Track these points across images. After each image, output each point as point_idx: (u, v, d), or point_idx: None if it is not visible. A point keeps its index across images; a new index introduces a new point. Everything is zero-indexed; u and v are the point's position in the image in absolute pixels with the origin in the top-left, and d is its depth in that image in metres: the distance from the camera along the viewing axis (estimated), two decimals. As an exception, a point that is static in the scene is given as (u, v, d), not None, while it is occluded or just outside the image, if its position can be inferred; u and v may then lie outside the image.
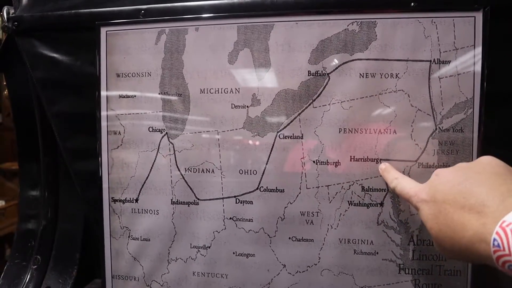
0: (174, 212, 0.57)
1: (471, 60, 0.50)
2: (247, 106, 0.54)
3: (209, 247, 0.56)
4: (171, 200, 0.57)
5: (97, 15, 0.58)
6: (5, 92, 0.75)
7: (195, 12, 0.56)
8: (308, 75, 0.53)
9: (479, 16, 0.50)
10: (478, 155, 0.51)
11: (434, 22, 0.51)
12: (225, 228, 0.56)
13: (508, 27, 0.51)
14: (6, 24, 0.60)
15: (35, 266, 0.65)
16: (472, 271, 0.52)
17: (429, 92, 0.51)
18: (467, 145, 0.51)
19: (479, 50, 0.50)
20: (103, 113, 0.58)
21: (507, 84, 0.52)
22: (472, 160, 0.51)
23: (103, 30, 0.57)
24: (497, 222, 0.33)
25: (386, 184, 0.52)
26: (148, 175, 0.57)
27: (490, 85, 0.50)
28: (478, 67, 0.50)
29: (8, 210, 2.16)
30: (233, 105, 0.54)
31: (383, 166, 0.52)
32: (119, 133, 0.58)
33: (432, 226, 0.40)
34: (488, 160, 0.40)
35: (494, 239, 0.33)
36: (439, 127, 0.51)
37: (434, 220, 0.40)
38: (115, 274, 0.59)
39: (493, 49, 0.50)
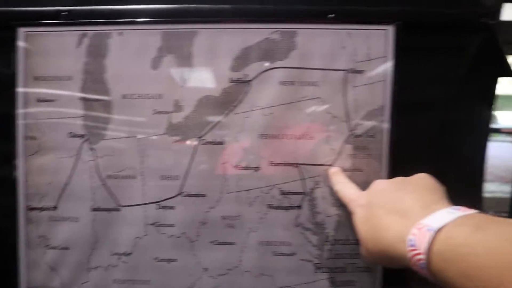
0: (94, 219, 0.56)
1: (382, 70, 0.54)
2: (169, 112, 0.54)
3: (131, 254, 0.56)
4: (91, 206, 0.56)
5: (15, 15, 0.56)
6: None
7: (119, 16, 0.55)
8: (230, 82, 0.54)
9: (391, 29, 0.54)
10: (389, 160, 0.54)
11: (350, 34, 0.54)
12: (146, 234, 0.55)
13: (417, 41, 0.55)
14: None
15: None
16: (382, 267, 0.55)
17: (344, 99, 0.54)
18: (379, 149, 0.54)
19: (390, 61, 0.54)
20: (19, 118, 0.56)
21: (415, 94, 0.56)
22: (383, 164, 0.54)
23: (21, 31, 0.55)
24: (415, 224, 0.36)
25: (304, 187, 0.54)
26: (68, 181, 0.56)
27: (401, 94, 0.54)
28: (389, 77, 0.54)
29: None
30: (155, 110, 0.54)
31: (333, 169, 0.54)
32: (37, 138, 0.56)
33: (362, 228, 0.44)
34: (422, 176, 0.45)
35: (410, 239, 0.36)
36: (353, 133, 0.54)
37: (365, 222, 0.44)
38: (31, 286, 0.57)
39: (403, 61, 0.54)
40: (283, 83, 0.54)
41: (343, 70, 0.54)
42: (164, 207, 0.55)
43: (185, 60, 0.54)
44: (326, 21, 0.54)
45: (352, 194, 0.49)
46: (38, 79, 0.56)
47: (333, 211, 0.54)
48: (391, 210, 0.42)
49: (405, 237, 0.37)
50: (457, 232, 0.34)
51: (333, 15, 0.54)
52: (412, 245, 0.36)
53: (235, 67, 0.54)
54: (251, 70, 0.54)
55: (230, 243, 0.55)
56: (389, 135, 0.54)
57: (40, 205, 0.56)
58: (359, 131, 0.54)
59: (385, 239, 0.40)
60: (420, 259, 0.35)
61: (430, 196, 0.41)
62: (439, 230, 0.34)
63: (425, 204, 0.40)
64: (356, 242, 0.54)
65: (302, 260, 0.55)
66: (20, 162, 0.56)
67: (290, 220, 0.54)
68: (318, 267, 0.55)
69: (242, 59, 0.54)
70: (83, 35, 0.55)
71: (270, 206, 0.54)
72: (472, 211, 0.36)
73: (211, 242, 0.55)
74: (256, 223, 0.55)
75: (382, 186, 0.47)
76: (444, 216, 0.36)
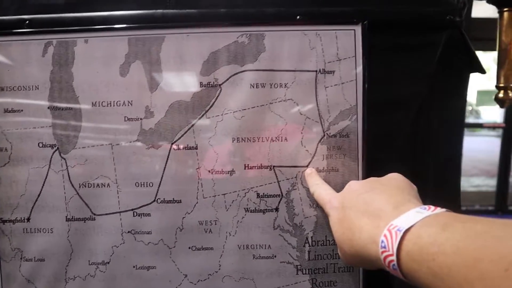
0: (69, 229, 0.55)
1: (353, 70, 0.54)
2: (141, 119, 0.54)
3: (108, 263, 0.55)
4: (66, 217, 0.55)
5: (-24, 25, 0.54)
6: None
7: (84, 24, 0.54)
8: (200, 86, 0.53)
9: (358, 29, 0.54)
10: (364, 158, 0.54)
11: (319, 35, 0.54)
12: (123, 242, 0.55)
13: (384, 38, 0.55)
14: None
15: None
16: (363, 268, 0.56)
17: (316, 100, 0.54)
18: (353, 149, 0.54)
19: (359, 60, 0.54)
20: (-13, 129, 0.54)
21: (387, 92, 0.56)
22: (358, 163, 0.54)
23: (-16, 41, 0.54)
24: (387, 225, 0.36)
25: (280, 190, 0.54)
26: (40, 192, 0.55)
27: (372, 92, 0.54)
28: (360, 77, 0.54)
29: None
30: (126, 117, 0.54)
31: (308, 171, 0.54)
32: (6, 149, 0.55)
33: (337, 230, 0.45)
34: (394, 176, 0.46)
35: (382, 240, 0.36)
36: (326, 133, 0.54)
37: (339, 224, 0.44)
38: (8, 299, 0.56)
39: (373, 60, 0.54)
40: (254, 85, 0.54)
41: (313, 71, 0.54)
42: (140, 215, 0.54)
43: (154, 65, 0.54)
44: (294, 22, 0.54)
45: (327, 195, 0.49)
46: (3, 90, 0.54)
47: (311, 212, 0.55)
48: (363, 212, 0.42)
49: (377, 238, 0.38)
50: (424, 231, 0.34)
51: (301, 16, 0.54)
52: (383, 247, 0.36)
53: (205, 71, 0.54)
54: (221, 73, 0.54)
55: (209, 248, 0.55)
56: (363, 135, 0.54)
57: (13, 217, 0.55)
58: (333, 131, 0.54)
59: (358, 241, 0.41)
60: (391, 261, 0.36)
61: (401, 196, 0.42)
62: (407, 230, 0.35)
63: (396, 204, 0.40)
64: (335, 242, 0.54)
65: (283, 262, 0.55)
66: (-10, 175, 0.55)
67: (268, 223, 0.55)
68: (299, 269, 0.55)
69: (211, 63, 0.54)
70: (48, 44, 0.54)
71: (247, 210, 0.54)
72: (440, 210, 0.37)
73: (190, 247, 0.55)
74: (234, 227, 0.55)
75: (355, 187, 0.47)
76: (413, 216, 0.36)
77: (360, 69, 0.54)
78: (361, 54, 0.54)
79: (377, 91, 0.55)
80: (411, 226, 0.35)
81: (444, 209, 0.37)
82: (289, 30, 0.54)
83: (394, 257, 0.35)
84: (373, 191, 0.44)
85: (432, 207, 0.37)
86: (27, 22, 0.54)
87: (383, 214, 0.39)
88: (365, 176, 0.54)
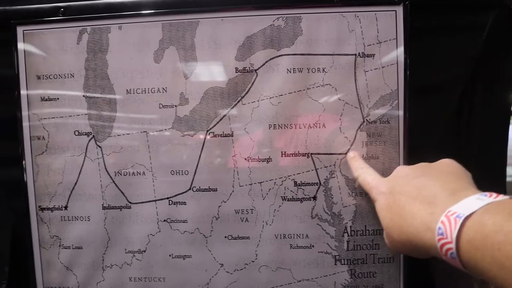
0: (106, 218, 0.55)
1: (394, 53, 0.52)
2: (175, 106, 0.53)
3: (145, 251, 0.55)
4: (102, 205, 0.55)
5: (12, 14, 0.55)
6: None
7: (117, 10, 0.53)
8: (236, 72, 0.52)
9: (399, 10, 0.51)
10: (405, 146, 0.52)
11: (358, 16, 0.51)
12: (159, 231, 0.55)
13: (427, 19, 0.53)
14: None
15: (-40, 285, 0.61)
16: (403, 257, 0.54)
17: (356, 85, 0.52)
18: (394, 136, 0.52)
19: (401, 43, 0.51)
20: (25, 118, 0.55)
21: (429, 75, 0.54)
22: (399, 150, 0.52)
23: (20, 30, 0.54)
24: (444, 212, 0.34)
25: (318, 178, 0.53)
26: (77, 181, 0.55)
27: (413, 75, 0.52)
28: (401, 60, 0.52)
29: None
30: (161, 104, 0.53)
31: (351, 154, 0.52)
32: (43, 138, 0.55)
33: (385, 216, 0.42)
34: (447, 162, 0.43)
35: (439, 228, 0.34)
36: (366, 119, 0.52)
37: (387, 210, 0.42)
38: (47, 286, 0.57)
39: (414, 41, 0.52)
40: (291, 70, 0.52)
41: (352, 54, 0.52)
42: (175, 203, 0.54)
43: (188, 51, 0.52)
44: (333, 4, 0.52)
45: (373, 180, 0.47)
46: (40, 78, 0.54)
47: (350, 201, 0.53)
48: (416, 197, 0.39)
49: (433, 225, 0.35)
50: (488, 219, 0.32)
51: (340, -3, 0.52)
52: (441, 234, 0.34)
53: (240, 56, 0.52)
54: (257, 58, 0.52)
55: (245, 237, 0.54)
56: (404, 121, 0.52)
57: (51, 205, 0.56)
58: (372, 117, 0.52)
59: (410, 228, 0.39)
60: (449, 249, 0.33)
61: (457, 183, 0.39)
62: (468, 217, 0.33)
63: (452, 191, 0.37)
64: (376, 232, 0.53)
65: (321, 252, 0.54)
66: (28, 163, 0.55)
67: (306, 212, 0.53)
68: (337, 259, 0.54)
69: (246, 48, 0.52)
70: (83, 31, 0.54)
71: (284, 198, 0.53)
72: (503, 197, 0.34)
73: (226, 236, 0.54)
74: (271, 216, 0.53)
75: (405, 172, 0.44)
76: (473, 203, 0.34)
77: (401, 52, 0.52)
78: (403, 36, 0.52)
79: (419, 75, 0.53)
80: (472, 213, 0.33)
81: (507, 196, 0.34)
82: (327, 12, 0.52)
83: (453, 245, 0.33)
84: (425, 176, 0.41)
85: (494, 194, 0.35)
86: (62, 9, 0.54)
87: (438, 201, 0.37)
88: (407, 164, 0.51)
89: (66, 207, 0.55)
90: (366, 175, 0.48)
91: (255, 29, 0.52)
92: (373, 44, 0.52)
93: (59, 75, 0.54)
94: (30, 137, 0.55)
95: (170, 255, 0.55)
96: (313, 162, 0.53)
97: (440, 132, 0.55)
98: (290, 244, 0.54)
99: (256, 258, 0.54)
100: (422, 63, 0.53)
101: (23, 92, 0.55)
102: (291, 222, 0.54)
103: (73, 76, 0.54)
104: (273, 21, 0.52)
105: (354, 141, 0.52)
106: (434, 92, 0.55)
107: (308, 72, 0.52)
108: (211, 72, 0.52)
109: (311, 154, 0.53)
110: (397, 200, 0.41)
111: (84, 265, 0.56)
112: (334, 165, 0.53)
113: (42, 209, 0.56)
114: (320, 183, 0.53)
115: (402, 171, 0.45)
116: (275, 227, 0.54)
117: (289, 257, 0.54)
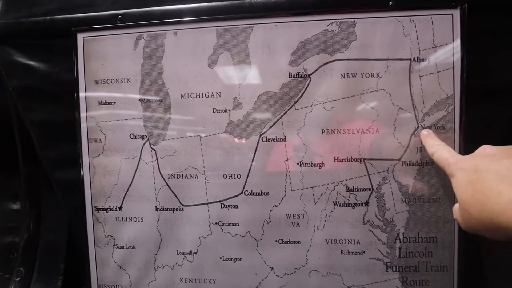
0: (159, 219, 0.56)
1: (450, 57, 0.51)
2: (229, 110, 0.54)
3: (196, 253, 0.56)
4: (156, 207, 0.56)
5: (73, 21, 0.57)
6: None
7: (173, 16, 0.55)
8: (289, 77, 0.52)
9: (456, 13, 0.50)
10: (461, 152, 0.51)
11: (413, 21, 0.51)
12: (211, 233, 0.55)
13: (485, 22, 0.51)
14: (-21, 32, 0.59)
15: (18, 279, 0.63)
16: (458, 266, 0.52)
17: (410, 90, 0.51)
18: (449, 141, 0.51)
19: (457, 47, 0.50)
20: (83, 121, 0.57)
21: (486, 79, 0.53)
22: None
23: (80, 36, 0.56)
24: None
25: (371, 183, 0.52)
26: (131, 182, 0.56)
27: (470, 80, 0.51)
28: (458, 64, 0.51)
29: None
30: (214, 109, 0.54)
31: (425, 132, 0.51)
32: (100, 140, 0.57)
33: (464, 192, 0.41)
34: None
35: None
36: (421, 125, 0.51)
37: (469, 186, 0.41)
38: (101, 284, 0.59)
39: (471, 45, 0.50)
40: (344, 75, 0.52)
41: (407, 59, 0.51)
42: (227, 206, 0.55)
43: (242, 56, 0.53)
44: (387, 8, 0.51)
45: (452, 156, 0.45)
46: (98, 83, 0.56)
47: (403, 207, 0.52)
48: (504, 177, 0.39)
49: None
50: None
51: (394, 2, 0.51)
52: None
53: (294, 61, 0.52)
54: (310, 63, 0.52)
55: (296, 242, 0.54)
56: (460, 126, 0.51)
57: (106, 206, 0.58)
58: (427, 122, 0.51)
59: (496, 206, 0.38)
60: None
61: None
62: None
63: None
64: (429, 239, 0.52)
65: (372, 258, 0.53)
66: (85, 164, 0.57)
67: (358, 218, 0.53)
68: (388, 266, 0.53)
69: (300, 53, 0.52)
70: (139, 37, 0.55)
71: (336, 203, 0.53)
72: None
73: (276, 240, 0.54)
74: (322, 221, 0.53)
75: (492, 152, 0.43)
76: None
77: (458, 56, 0.51)
78: (459, 40, 0.51)
79: (476, 79, 0.51)
80: None
81: None
82: (381, 17, 0.51)
83: None
84: None
85: None
86: (119, 17, 0.56)
87: None
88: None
89: (120, 208, 0.57)
90: (443, 151, 0.47)
91: (309, 34, 0.52)
92: (429, 48, 0.51)
93: (116, 79, 0.56)
94: (88, 139, 0.57)
95: (220, 258, 0.56)
96: (366, 167, 0.52)
97: (499, 138, 0.53)
98: (341, 250, 0.54)
99: (306, 263, 0.54)
100: (480, 67, 0.51)
101: (82, 96, 0.57)
102: (343, 228, 0.53)
103: (129, 81, 0.55)
104: (327, 26, 0.52)
105: (408, 146, 0.52)
106: (492, 97, 0.53)
107: (362, 77, 0.52)
108: (265, 77, 0.53)
109: (364, 159, 0.52)
110: (481, 177, 0.40)
111: (137, 265, 0.58)
112: (387, 170, 0.52)
113: (98, 209, 0.58)
114: (372, 189, 0.52)
115: (489, 150, 0.43)
116: (326, 232, 0.53)
117: (339, 262, 0.54)
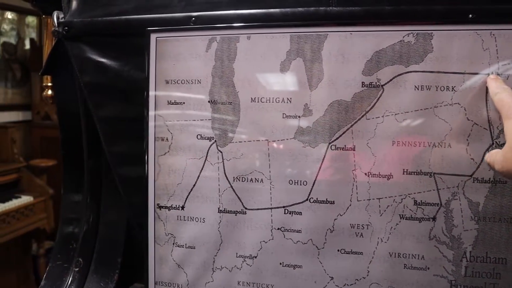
0: (221, 221, 0.57)
1: (531, 74, 0.49)
2: (299, 116, 0.54)
3: (256, 257, 0.56)
4: (218, 208, 0.57)
5: (147, 22, 0.58)
6: (45, 93, 0.76)
7: (247, 20, 0.55)
8: (362, 87, 0.52)
9: (540, 28, 0.49)
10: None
11: (493, 35, 0.50)
12: (272, 239, 0.55)
13: None
14: (56, 28, 0.61)
15: (77, 269, 0.65)
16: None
17: (486, 105, 0.50)
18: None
19: (540, 63, 0.49)
20: (151, 119, 0.58)
21: None
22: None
23: (153, 37, 0.58)
24: None
25: (440, 198, 0.51)
26: (195, 183, 0.57)
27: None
28: (539, 81, 0.49)
29: (36, 206, 2.18)
30: (284, 114, 0.54)
31: (493, 76, 0.50)
32: (167, 139, 0.58)
33: None
34: None
35: None
36: (496, 142, 0.50)
37: None
38: (159, 281, 0.60)
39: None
40: (419, 87, 0.51)
41: (485, 74, 0.50)
42: (291, 212, 0.55)
43: (315, 63, 0.53)
44: (466, 21, 0.50)
45: None
46: (168, 83, 0.57)
47: (472, 225, 0.51)
48: None
49: None
50: None
51: (475, 15, 0.50)
52: None
53: (367, 71, 0.52)
54: (384, 74, 0.52)
55: (358, 253, 0.53)
56: (538, 145, 0.49)
57: (168, 204, 0.58)
58: (503, 139, 0.50)
59: None
60: None
61: None
62: None
63: None
64: (498, 260, 0.50)
65: (436, 275, 0.52)
66: (151, 162, 0.58)
67: (424, 232, 0.52)
68: (453, 284, 0.52)
69: (374, 63, 0.52)
70: (212, 40, 0.56)
71: (402, 216, 0.52)
72: None
73: (339, 250, 0.54)
74: (387, 233, 0.53)
75: None
76: None
77: (539, 72, 0.49)
78: (542, 56, 0.49)
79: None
80: None
81: None
82: (460, 29, 0.50)
83: None
84: None
85: None
86: (193, 19, 0.57)
87: None
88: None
89: (183, 207, 0.58)
90: (505, 94, 0.46)
91: (384, 44, 0.52)
92: (508, 63, 0.50)
93: (187, 80, 0.57)
94: (155, 137, 0.58)
95: (280, 263, 0.55)
96: (435, 182, 0.52)
97: None
98: (405, 264, 0.53)
99: (367, 275, 0.53)
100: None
101: (151, 95, 0.58)
102: (407, 242, 0.52)
103: (200, 82, 0.56)
104: (403, 37, 0.51)
105: (481, 163, 0.50)
106: None
107: (437, 90, 0.51)
108: (337, 85, 0.53)
109: (434, 173, 0.51)
110: None
111: (195, 265, 0.58)
112: (458, 186, 0.51)
113: (160, 207, 0.59)
114: (441, 204, 0.51)
115: None
116: (390, 245, 0.53)
117: (402, 277, 0.53)
